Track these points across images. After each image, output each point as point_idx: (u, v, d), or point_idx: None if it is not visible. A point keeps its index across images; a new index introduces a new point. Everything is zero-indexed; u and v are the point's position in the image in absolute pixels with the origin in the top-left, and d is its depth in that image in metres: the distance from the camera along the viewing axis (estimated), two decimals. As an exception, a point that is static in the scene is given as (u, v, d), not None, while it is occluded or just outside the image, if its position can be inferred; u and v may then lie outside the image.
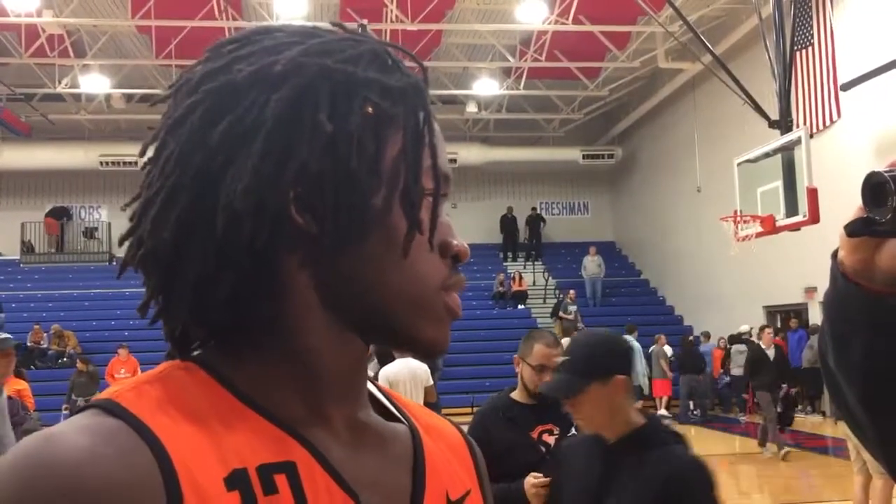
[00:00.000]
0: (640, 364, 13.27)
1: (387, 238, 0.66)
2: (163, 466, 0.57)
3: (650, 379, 13.98)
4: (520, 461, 2.87)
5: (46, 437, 0.56)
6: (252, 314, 0.65)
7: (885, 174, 0.73)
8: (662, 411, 16.15)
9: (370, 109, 0.66)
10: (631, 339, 13.50)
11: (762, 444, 11.20)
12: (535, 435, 2.95)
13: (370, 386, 0.75)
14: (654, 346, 14.91)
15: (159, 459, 0.57)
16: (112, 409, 0.59)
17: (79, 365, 14.44)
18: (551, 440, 2.94)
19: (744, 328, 16.15)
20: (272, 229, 0.63)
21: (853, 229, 0.77)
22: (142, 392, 0.62)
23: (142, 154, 0.69)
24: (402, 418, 0.76)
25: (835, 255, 0.81)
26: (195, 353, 0.68)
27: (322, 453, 0.65)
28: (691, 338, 16.60)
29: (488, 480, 0.82)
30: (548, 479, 2.74)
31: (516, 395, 3.06)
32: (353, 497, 0.64)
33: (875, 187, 0.74)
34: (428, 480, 0.71)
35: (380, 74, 0.67)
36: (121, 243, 0.69)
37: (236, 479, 0.59)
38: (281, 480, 0.61)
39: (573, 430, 2.95)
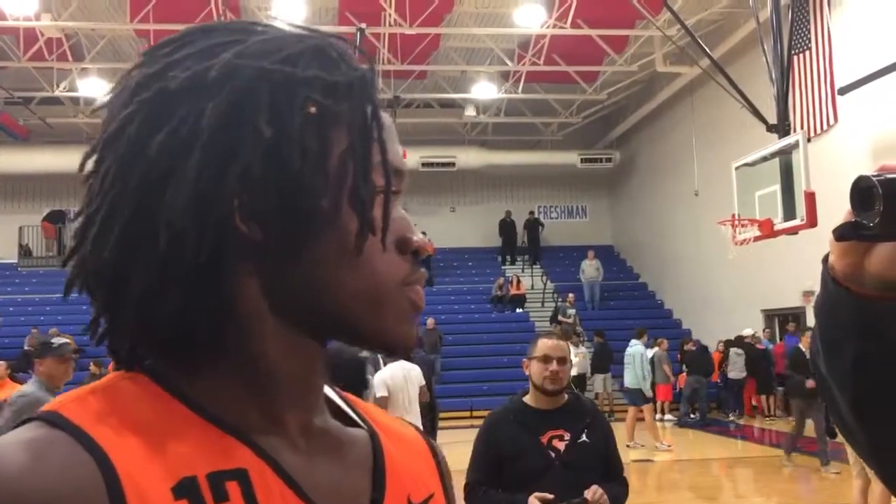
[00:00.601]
0: (642, 369, 13.13)
1: (338, 240, 0.64)
2: (107, 477, 0.55)
3: (653, 384, 13.85)
4: (527, 465, 2.91)
5: None
6: (201, 328, 0.63)
7: (874, 178, 0.73)
8: (668, 416, 16.16)
9: (313, 109, 0.63)
10: (638, 343, 13.29)
11: (788, 452, 10.57)
12: (544, 440, 2.98)
13: (328, 390, 0.74)
14: (656, 350, 14.85)
15: (103, 470, 0.56)
16: (55, 420, 0.58)
17: (91, 368, 14.45)
18: (561, 445, 2.98)
19: (747, 331, 16.13)
20: (217, 240, 0.61)
21: (842, 233, 0.77)
22: (86, 403, 0.60)
23: (81, 168, 0.66)
24: (362, 423, 0.75)
25: (825, 260, 0.81)
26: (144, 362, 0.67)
27: (276, 460, 0.63)
28: (691, 342, 16.61)
29: (452, 485, 0.80)
30: (551, 497, 2.76)
31: (528, 399, 3.11)
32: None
33: (863, 191, 0.73)
34: (388, 485, 0.70)
35: (322, 71, 0.64)
36: (64, 265, 0.68)
37: (184, 488, 0.58)
38: (232, 487, 0.60)
39: (584, 437, 3.00)
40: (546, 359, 3.02)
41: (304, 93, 0.63)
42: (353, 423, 0.74)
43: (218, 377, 0.64)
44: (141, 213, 0.61)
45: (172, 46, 0.67)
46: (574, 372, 16.18)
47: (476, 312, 20.95)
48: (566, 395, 3.11)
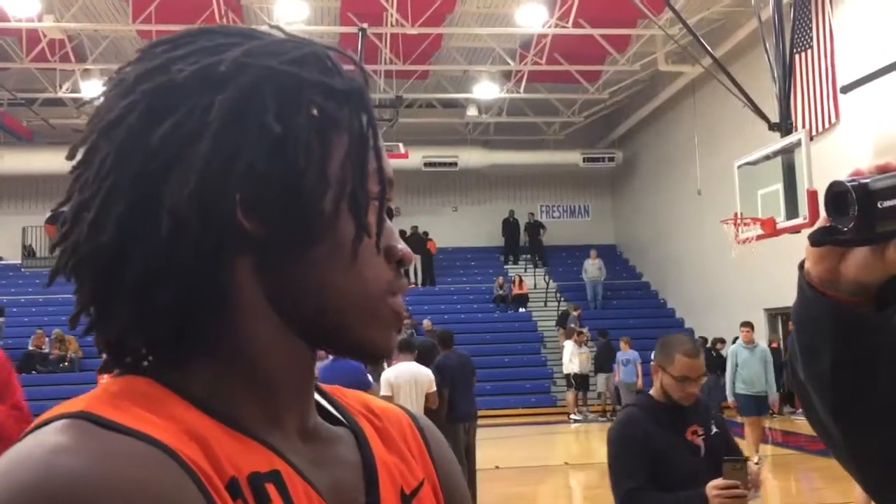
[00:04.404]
0: (764, 370, 10.27)
1: (335, 242, 0.65)
2: (182, 466, 0.56)
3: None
4: (679, 460, 2.93)
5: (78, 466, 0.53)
6: (197, 321, 0.63)
7: (847, 183, 0.73)
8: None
9: (315, 112, 0.65)
10: (739, 343, 10.70)
11: None
12: (688, 435, 3.01)
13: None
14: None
15: (176, 461, 0.56)
16: (97, 420, 0.56)
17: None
18: (699, 440, 3.01)
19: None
20: (219, 233, 0.62)
21: (817, 239, 0.77)
22: (119, 406, 0.59)
23: (70, 157, 0.67)
24: (345, 419, 0.74)
25: (802, 265, 0.81)
26: (139, 366, 0.65)
27: (292, 462, 0.64)
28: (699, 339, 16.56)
29: (446, 460, 0.80)
30: (731, 482, 2.75)
31: (659, 397, 3.05)
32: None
33: (837, 196, 0.74)
34: (381, 482, 0.70)
35: (324, 77, 0.66)
36: (52, 251, 0.66)
37: (234, 488, 0.58)
38: (271, 489, 0.60)
39: (714, 430, 3.05)
40: (685, 379, 2.95)
41: (308, 95, 0.65)
42: (336, 420, 0.74)
43: (219, 377, 0.64)
44: (141, 201, 0.61)
45: (171, 44, 0.67)
46: (576, 370, 16.22)
47: (479, 312, 20.92)
48: None
